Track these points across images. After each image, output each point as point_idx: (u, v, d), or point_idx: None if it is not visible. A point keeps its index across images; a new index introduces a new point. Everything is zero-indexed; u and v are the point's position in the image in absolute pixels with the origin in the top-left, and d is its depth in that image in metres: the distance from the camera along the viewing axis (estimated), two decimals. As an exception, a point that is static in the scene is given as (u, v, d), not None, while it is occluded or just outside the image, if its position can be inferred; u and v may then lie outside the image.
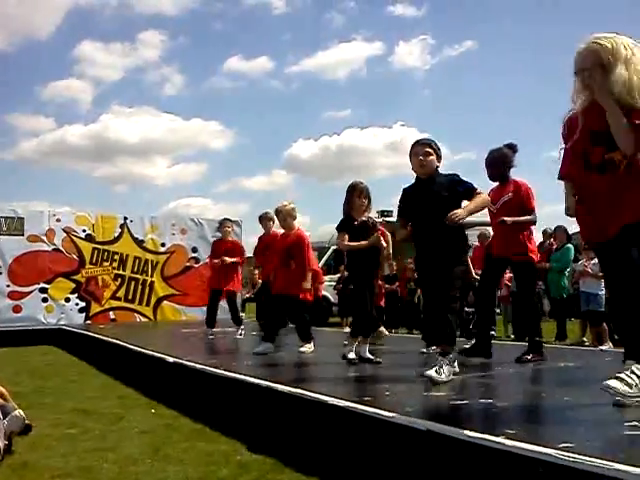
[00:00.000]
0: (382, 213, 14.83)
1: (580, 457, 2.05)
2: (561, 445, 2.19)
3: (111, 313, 11.75)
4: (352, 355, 4.98)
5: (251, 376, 4.27)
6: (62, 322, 11.04)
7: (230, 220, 8.92)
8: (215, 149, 39.70)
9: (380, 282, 11.50)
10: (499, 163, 4.96)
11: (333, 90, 39.38)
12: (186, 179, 40.86)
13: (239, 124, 42.70)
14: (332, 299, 13.51)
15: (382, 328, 6.60)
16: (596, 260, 8.19)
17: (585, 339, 8.55)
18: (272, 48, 41.53)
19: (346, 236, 5.09)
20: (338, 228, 5.18)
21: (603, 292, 8.13)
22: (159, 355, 5.74)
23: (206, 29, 38.37)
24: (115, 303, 11.82)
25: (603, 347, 7.35)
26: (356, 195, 5.10)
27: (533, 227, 5.11)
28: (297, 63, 42.42)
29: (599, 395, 3.35)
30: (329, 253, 14.65)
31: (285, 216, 6.18)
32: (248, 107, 39.90)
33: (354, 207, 5.11)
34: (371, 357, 5.03)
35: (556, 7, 34.42)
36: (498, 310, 11.35)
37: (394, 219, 14.89)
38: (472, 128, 35.62)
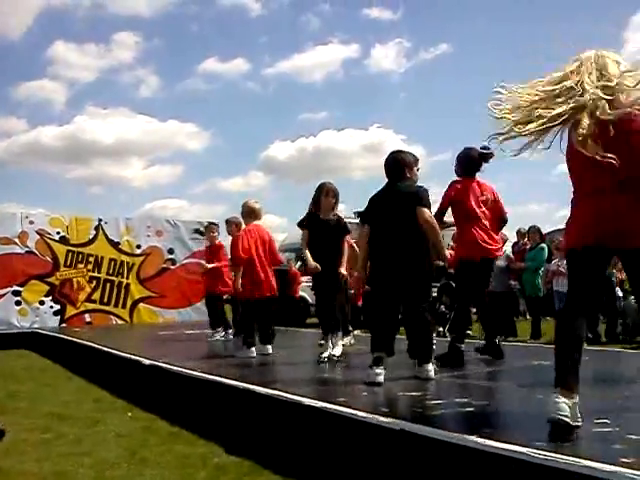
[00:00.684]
0: (358, 214, 14.87)
1: (551, 455, 2.10)
2: (533, 443, 2.24)
3: (87, 316, 11.60)
4: (325, 354, 5.15)
5: (228, 378, 4.27)
6: (36, 325, 10.86)
7: (213, 224, 8.86)
8: (191, 150, 39.49)
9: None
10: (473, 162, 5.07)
11: (309, 92, 39.43)
12: (162, 180, 40.57)
13: (215, 126, 42.49)
14: (310, 300, 13.51)
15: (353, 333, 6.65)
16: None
17: (559, 337, 8.66)
18: (248, 50, 41.38)
19: (306, 233, 5.33)
20: (300, 224, 5.31)
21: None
22: (135, 357, 5.70)
23: (181, 31, 38.12)
24: (90, 306, 11.67)
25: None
26: (324, 194, 5.23)
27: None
28: (273, 65, 42.36)
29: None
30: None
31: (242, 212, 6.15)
32: (224, 109, 39.72)
33: (322, 206, 5.24)
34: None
35: (531, 4, 34.64)
36: (474, 310, 11.46)
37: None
38: (448, 130, 35.84)
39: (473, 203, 4.97)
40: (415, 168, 4.35)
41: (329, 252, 5.26)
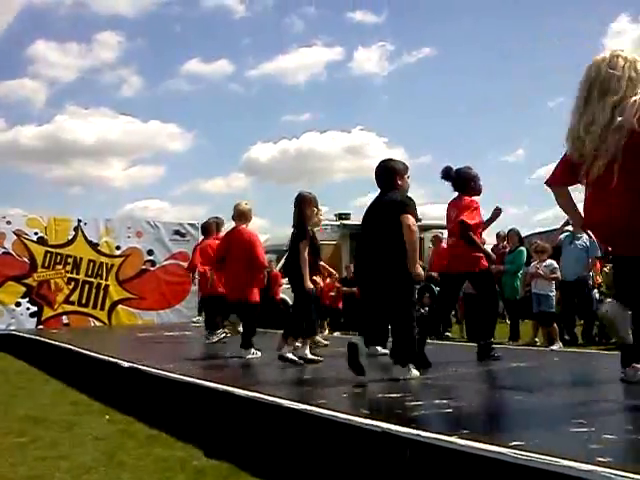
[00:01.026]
0: (340, 216, 14.88)
1: (530, 455, 2.11)
2: (512, 444, 2.25)
3: (64, 317, 11.44)
4: (291, 355, 5.14)
5: (207, 380, 4.24)
6: (12, 327, 10.69)
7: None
8: (173, 151, 39.05)
9: (338, 285, 11.58)
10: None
11: (293, 94, 39.24)
12: (143, 181, 40.04)
13: (198, 127, 42.02)
14: (290, 302, 13.50)
15: (319, 337, 6.65)
16: (548, 262, 8.42)
17: (537, 339, 8.75)
18: (232, 52, 41.02)
19: (306, 243, 5.25)
20: (303, 238, 5.25)
21: (554, 293, 8.35)
22: (113, 360, 5.64)
23: (165, 31, 37.69)
24: (68, 307, 11.52)
25: (554, 347, 7.54)
26: (309, 206, 5.26)
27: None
28: (257, 67, 42.02)
29: (549, 394, 3.47)
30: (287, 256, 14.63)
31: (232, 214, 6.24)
32: (207, 110, 39.32)
33: (310, 218, 5.28)
34: (313, 357, 5.26)
35: (516, 4, 34.70)
36: (453, 312, 11.52)
37: (352, 222, 14.98)
38: (430, 133, 35.92)
39: (446, 222, 5.43)
40: (406, 176, 4.40)
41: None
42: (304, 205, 5.27)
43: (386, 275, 4.14)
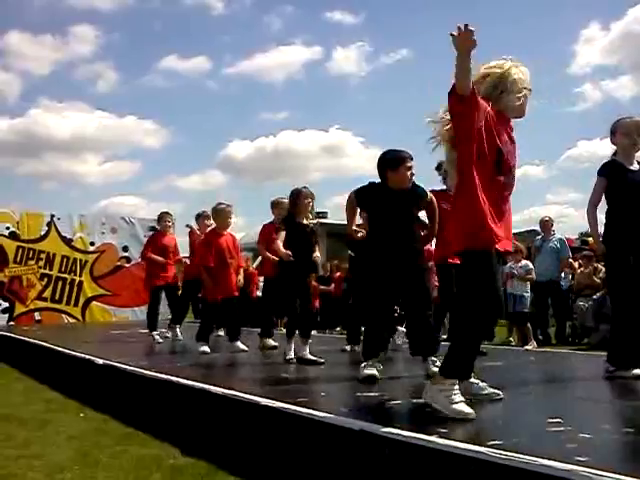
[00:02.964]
0: (317, 215, 14.88)
1: (508, 454, 2.13)
2: (490, 443, 2.27)
3: (36, 314, 11.29)
4: (291, 354, 5.08)
5: (184, 378, 4.20)
6: (-18, 324, 10.54)
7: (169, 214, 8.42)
8: (149, 147, 38.78)
9: (315, 283, 11.57)
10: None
11: (270, 92, 39.24)
12: (119, 177, 39.73)
13: (174, 123, 41.99)
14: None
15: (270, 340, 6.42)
16: (523, 263, 8.52)
17: (511, 339, 8.85)
18: (210, 49, 40.98)
19: (283, 234, 5.15)
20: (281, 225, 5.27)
21: (529, 294, 8.46)
22: (88, 357, 5.57)
23: (142, 27, 37.44)
24: (41, 304, 11.36)
25: (528, 347, 7.63)
26: (302, 198, 5.21)
27: None
28: (235, 65, 42.00)
29: (525, 393, 3.50)
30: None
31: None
32: (184, 106, 39.15)
33: (301, 210, 5.26)
34: (312, 358, 5.06)
35: (489, 9, 35.18)
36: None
37: (329, 221, 14.90)
38: (407, 134, 36.21)
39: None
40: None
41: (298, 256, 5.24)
42: (297, 198, 5.29)
43: None
